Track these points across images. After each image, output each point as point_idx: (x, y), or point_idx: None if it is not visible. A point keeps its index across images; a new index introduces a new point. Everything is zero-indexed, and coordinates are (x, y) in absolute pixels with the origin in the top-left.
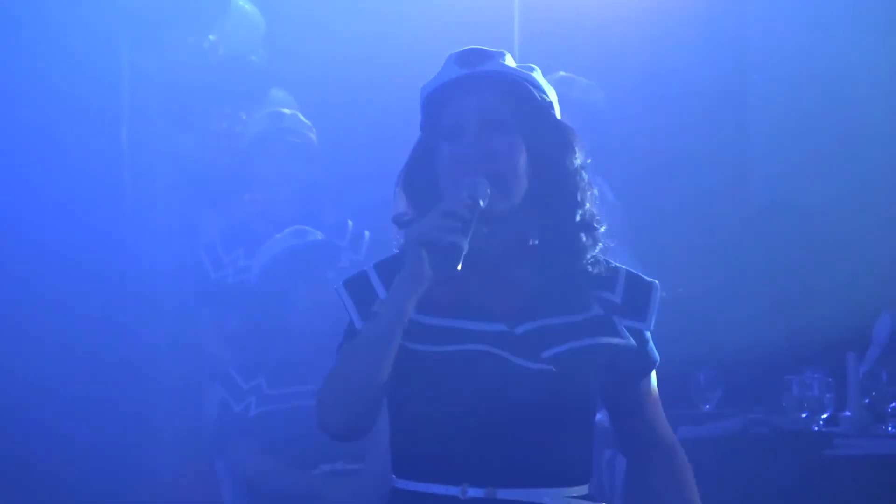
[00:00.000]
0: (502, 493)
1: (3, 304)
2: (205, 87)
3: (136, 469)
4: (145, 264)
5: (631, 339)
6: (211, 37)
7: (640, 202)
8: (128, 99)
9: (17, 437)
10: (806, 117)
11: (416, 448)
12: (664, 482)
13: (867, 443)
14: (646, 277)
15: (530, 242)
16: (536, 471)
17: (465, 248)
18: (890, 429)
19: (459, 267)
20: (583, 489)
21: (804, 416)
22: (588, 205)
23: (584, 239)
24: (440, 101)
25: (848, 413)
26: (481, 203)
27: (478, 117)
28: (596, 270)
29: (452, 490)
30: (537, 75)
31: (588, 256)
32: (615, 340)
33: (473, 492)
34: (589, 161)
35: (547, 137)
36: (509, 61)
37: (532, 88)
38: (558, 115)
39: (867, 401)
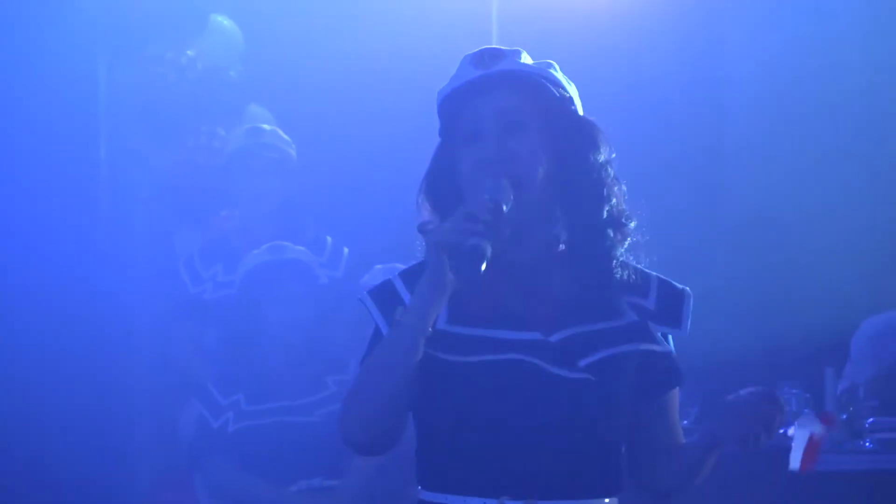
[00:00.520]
0: None
1: None
2: (183, 103)
3: (114, 484)
4: (121, 279)
5: (668, 344)
6: (189, 52)
7: None
8: (105, 113)
9: None
10: (783, 130)
11: (450, 460)
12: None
13: (845, 459)
14: (677, 284)
15: (560, 248)
16: (575, 481)
17: (488, 250)
18: (868, 444)
19: (483, 268)
20: (615, 501)
21: (781, 431)
22: (615, 200)
23: (612, 235)
24: (457, 105)
25: None
26: (504, 207)
27: (496, 119)
28: (627, 276)
29: (490, 502)
30: (555, 71)
31: (617, 253)
32: (653, 346)
33: None
34: (614, 156)
35: (568, 134)
36: (525, 59)
37: (550, 85)
38: (580, 110)
39: (845, 416)
